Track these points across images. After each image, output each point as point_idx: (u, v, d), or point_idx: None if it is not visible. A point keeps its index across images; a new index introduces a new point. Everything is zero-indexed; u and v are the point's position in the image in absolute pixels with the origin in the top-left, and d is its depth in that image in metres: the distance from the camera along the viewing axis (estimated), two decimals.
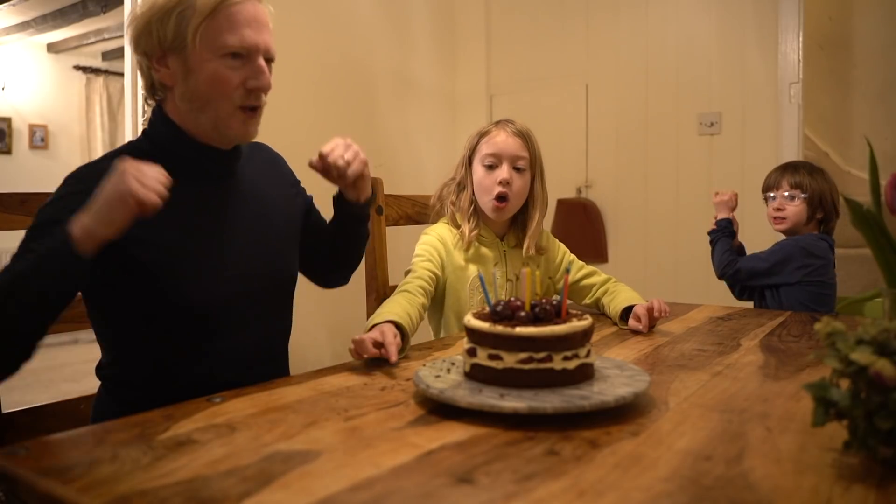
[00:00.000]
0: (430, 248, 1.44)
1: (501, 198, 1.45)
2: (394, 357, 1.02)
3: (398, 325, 1.13)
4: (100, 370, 1.12)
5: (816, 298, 1.82)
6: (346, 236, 1.27)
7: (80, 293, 1.09)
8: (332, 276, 1.36)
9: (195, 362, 1.08)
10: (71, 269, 0.89)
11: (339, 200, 1.22)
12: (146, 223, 0.96)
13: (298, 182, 1.31)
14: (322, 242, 1.28)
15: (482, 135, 1.49)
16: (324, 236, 1.28)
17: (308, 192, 1.32)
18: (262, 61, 1.06)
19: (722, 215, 1.98)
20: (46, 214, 0.98)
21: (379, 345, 1.05)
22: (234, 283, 1.09)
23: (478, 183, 1.48)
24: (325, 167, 1.12)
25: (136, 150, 1.07)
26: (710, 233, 1.97)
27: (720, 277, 1.91)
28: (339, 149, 1.12)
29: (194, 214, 1.07)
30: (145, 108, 2.36)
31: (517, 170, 1.46)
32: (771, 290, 1.86)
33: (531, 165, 1.48)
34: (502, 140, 1.46)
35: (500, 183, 1.44)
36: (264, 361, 1.17)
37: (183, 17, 1.01)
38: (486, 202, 1.46)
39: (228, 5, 1.02)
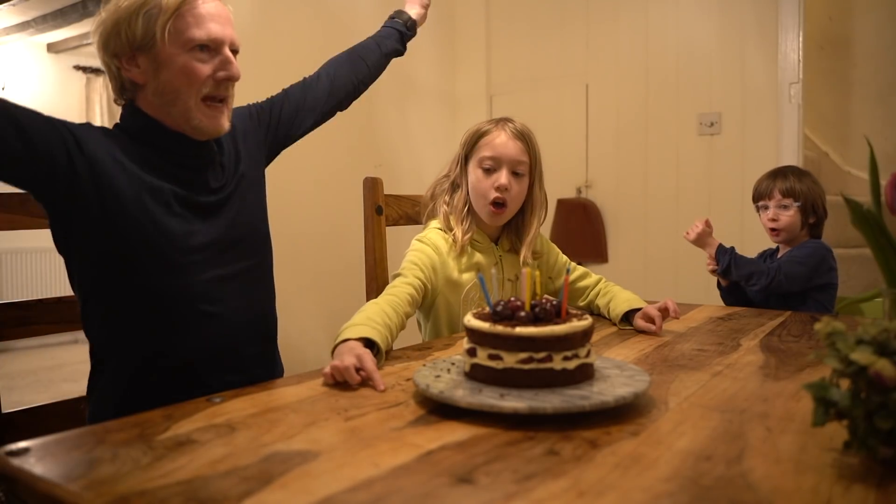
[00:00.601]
0: (423, 256, 1.36)
1: (498, 203, 1.39)
2: (381, 385, 0.92)
3: (371, 342, 1.04)
4: (93, 355, 1.14)
5: (832, 303, 1.80)
6: (388, 56, 1.58)
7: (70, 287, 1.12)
8: (350, 99, 1.51)
9: (182, 332, 1.11)
10: None
11: (405, 27, 1.65)
12: (126, 199, 1.04)
13: (257, 107, 1.35)
14: (320, 95, 1.42)
15: (481, 135, 1.41)
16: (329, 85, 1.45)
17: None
18: (228, 52, 1.12)
19: (712, 248, 1.88)
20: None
21: (358, 369, 0.95)
22: (209, 251, 1.14)
23: (474, 185, 1.41)
24: None
25: (115, 135, 1.12)
26: (719, 269, 1.85)
27: (769, 289, 1.79)
28: None
29: (173, 190, 1.11)
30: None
31: (516, 174, 1.39)
32: (801, 297, 1.79)
33: (530, 170, 1.42)
34: (502, 143, 1.39)
35: (498, 189, 1.37)
36: (251, 335, 1.21)
37: (150, 16, 1.06)
38: (483, 206, 1.40)
39: (192, 4, 1.09)
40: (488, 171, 1.39)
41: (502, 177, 1.38)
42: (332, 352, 1.02)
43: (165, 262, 1.08)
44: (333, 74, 1.46)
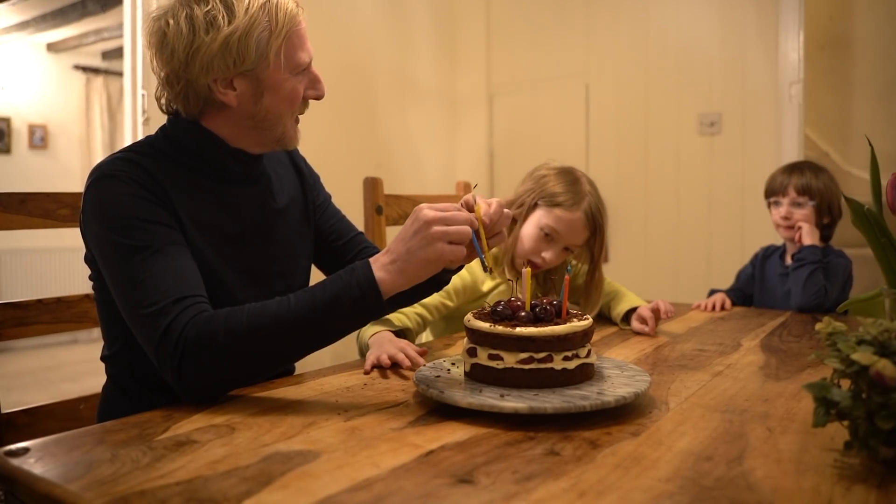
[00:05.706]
0: (457, 279, 1.37)
1: (535, 265, 1.43)
2: (419, 361, 1.04)
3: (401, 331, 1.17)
4: (107, 360, 1.09)
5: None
6: None
7: (84, 287, 1.07)
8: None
9: None
10: (375, 315, 0.89)
11: None
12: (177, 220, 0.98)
13: (318, 178, 1.29)
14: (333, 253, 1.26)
15: (558, 203, 1.42)
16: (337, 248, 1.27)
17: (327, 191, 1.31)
18: (315, 69, 1.07)
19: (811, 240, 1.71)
20: (134, 222, 0.93)
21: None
22: (253, 280, 1.08)
23: (526, 237, 1.42)
24: None
25: (153, 149, 1.04)
26: (808, 256, 1.68)
27: (801, 308, 1.67)
28: None
29: (217, 214, 1.05)
30: (145, 108, 2.36)
31: (566, 248, 1.44)
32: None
33: (589, 247, 1.45)
34: (574, 229, 1.41)
35: (543, 258, 1.41)
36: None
37: (262, 39, 0.98)
38: (522, 256, 1.43)
39: (296, 24, 1.02)
40: (545, 237, 1.42)
41: (551, 253, 1.42)
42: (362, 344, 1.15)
43: (209, 288, 1.01)
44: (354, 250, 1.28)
